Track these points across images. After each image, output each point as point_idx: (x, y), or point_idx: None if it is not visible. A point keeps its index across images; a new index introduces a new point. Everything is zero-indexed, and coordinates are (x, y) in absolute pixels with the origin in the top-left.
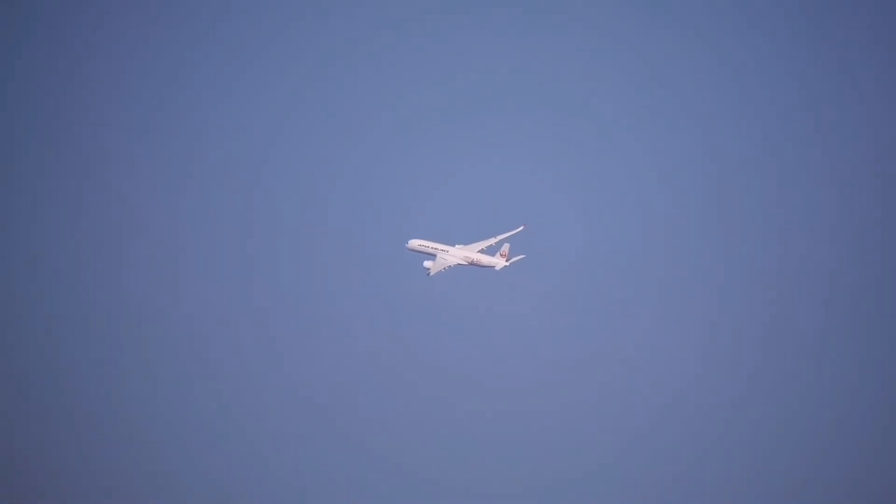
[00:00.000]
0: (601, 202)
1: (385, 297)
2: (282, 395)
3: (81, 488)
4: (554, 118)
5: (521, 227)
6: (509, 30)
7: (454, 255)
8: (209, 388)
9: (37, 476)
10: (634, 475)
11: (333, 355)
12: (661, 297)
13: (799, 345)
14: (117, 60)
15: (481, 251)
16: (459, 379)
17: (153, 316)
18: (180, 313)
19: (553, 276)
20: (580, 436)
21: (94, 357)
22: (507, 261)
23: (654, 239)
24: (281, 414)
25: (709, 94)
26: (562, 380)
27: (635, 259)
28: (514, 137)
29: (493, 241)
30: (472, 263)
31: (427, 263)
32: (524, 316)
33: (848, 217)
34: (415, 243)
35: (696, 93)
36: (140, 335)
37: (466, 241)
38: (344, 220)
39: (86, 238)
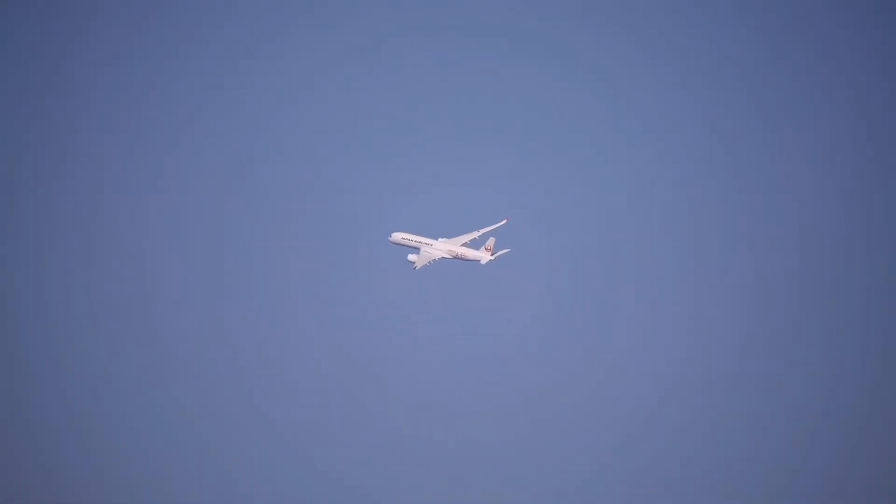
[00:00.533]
0: (586, 195)
1: (369, 289)
2: (265, 391)
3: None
4: (537, 110)
5: (505, 221)
6: (495, 22)
7: (438, 248)
8: (188, 385)
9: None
10: (622, 474)
11: (319, 349)
12: (648, 291)
13: (789, 342)
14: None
15: (465, 245)
16: (445, 373)
17: (133, 312)
18: (160, 310)
19: (537, 270)
20: (566, 433)
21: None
22: (492, 255)
23: (641, 233)
24: (264, 411)
25: (697, 90)
26: (548, 376)
27: (621, 252)
28: (497, 129)
29: (476, 234)
30: (456, 257)
31: (411, 257)
32: (509, 310)
33: (841, 218)
34: (398, 236)
35: (685, 88)
36: (117, 329)
37: (449, 235)
38: (325, 212)
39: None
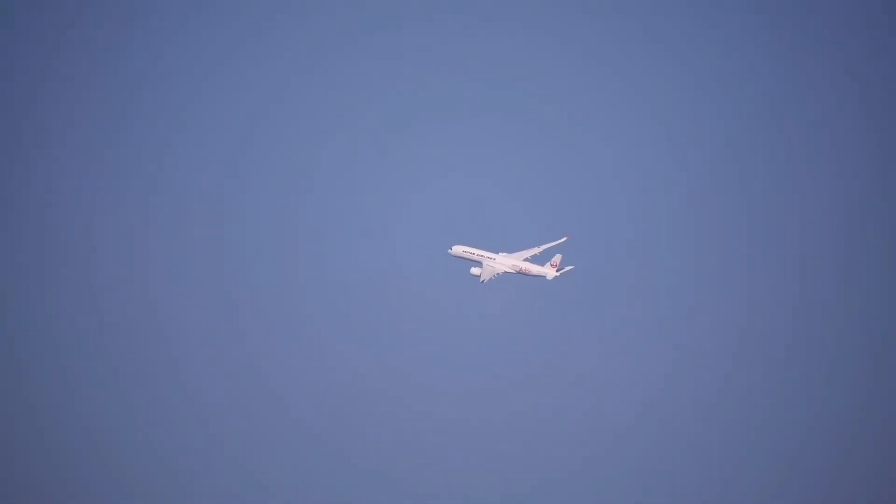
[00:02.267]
0: (643, 211)
1: (430, 302)
2: (313, 403)
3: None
4: (595, 130)
5: (565, 238)
6: (541, 34)
7: (501, 262)
8: (216, 393)
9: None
10: (646, 481)
11: (376, 361)
12: (693, 305)
13: (821, 356)
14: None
15: (527, 260)
16: (492, 383)
17: (174, 329)
18: (196, 322)
19: (595, 285)
20: (592, 442)
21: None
22: (557, 271)
23: (690, 247)
24: (302, 423)
25: (731, 94)
26: (588, 387)
27: (684, 267)
28: (560, 147)
29: (537, 250)
30: (520, 272)
31: (475, 270)
32: (568, 323)
33: (853, 219)
34: (459, 249)
35: (718, 92)
36: (160, 347)
37: (509, 250)
38: (382, 226)
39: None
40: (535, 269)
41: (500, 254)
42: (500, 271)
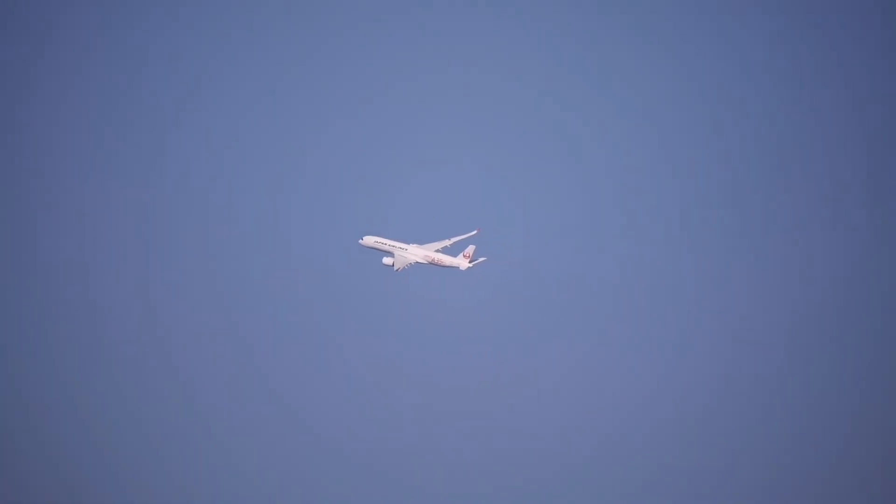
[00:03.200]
0: (558, 206)
1: (343, 291)
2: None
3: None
4: (511, 121)
5: (476, 231)
6: (471, 27)
7: (413, 253)
8: (161, 395)
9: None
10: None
11: (292, 352)
12: (622, 299)
13: (766, 342)
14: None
15: (438, 251)
16: (419, 378)
17: (108, 316)
18: (128, 310)
19: (511, 280)
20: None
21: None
22: (470, 262)
23: (611, 241)
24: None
25: (664, 91)
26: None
27: (590, 262)
28: (469, 139)
29: (448, 242)
30: (432, 263)
31: (387, 260)
32: (483, 318)
33: (841, 224)
34: (370, 240)
35: (658, 92)
36: (97, 332)
37: (420, 242)
38: (295, 214)
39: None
40: (447, 259)
41: (412, 245)
42: (412, 261)
